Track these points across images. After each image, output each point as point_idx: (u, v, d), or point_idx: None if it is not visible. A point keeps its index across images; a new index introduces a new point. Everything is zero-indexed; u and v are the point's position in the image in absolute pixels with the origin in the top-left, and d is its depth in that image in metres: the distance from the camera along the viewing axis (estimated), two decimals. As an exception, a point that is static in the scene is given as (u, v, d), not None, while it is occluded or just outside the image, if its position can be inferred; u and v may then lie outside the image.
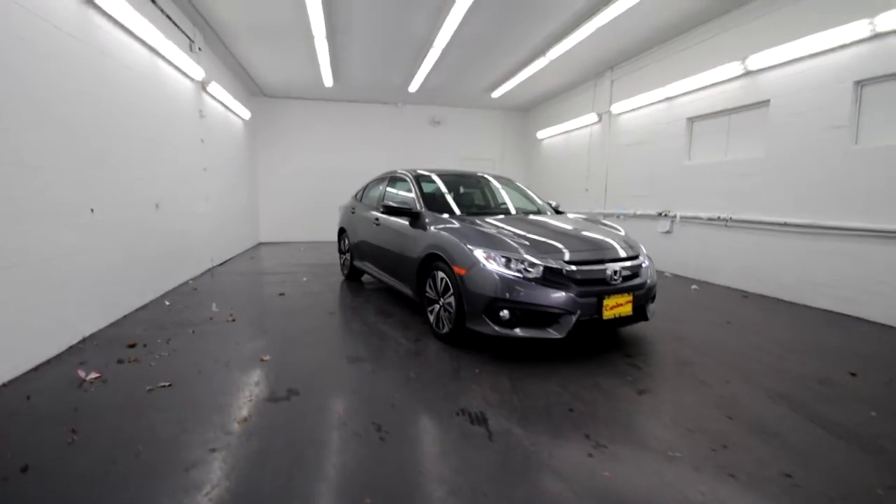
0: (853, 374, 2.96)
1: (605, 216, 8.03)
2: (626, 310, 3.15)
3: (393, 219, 4.41)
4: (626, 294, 3.13)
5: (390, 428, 2.19)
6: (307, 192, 10.70)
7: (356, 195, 6.03)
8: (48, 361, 2.97)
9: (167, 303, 4.59)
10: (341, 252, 6.19)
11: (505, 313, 2.95)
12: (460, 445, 2.07)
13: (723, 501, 1.72)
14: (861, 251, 4.30)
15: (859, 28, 4.13)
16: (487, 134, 11.74)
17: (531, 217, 4.13)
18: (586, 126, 9.01)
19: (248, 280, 5.95)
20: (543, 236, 3.33)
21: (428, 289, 3.63)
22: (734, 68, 5.47)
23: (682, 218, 6.53)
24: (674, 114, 6.65)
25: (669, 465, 1.95)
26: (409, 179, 4.56)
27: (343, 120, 10.77)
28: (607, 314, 3.04)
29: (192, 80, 5.90)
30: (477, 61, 7.62)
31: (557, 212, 4.63)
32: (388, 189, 5.01)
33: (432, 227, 3.74)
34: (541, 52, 7.04)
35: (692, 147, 6.47)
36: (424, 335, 3.67)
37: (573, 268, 3.02)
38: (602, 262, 3.14)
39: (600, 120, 8.50)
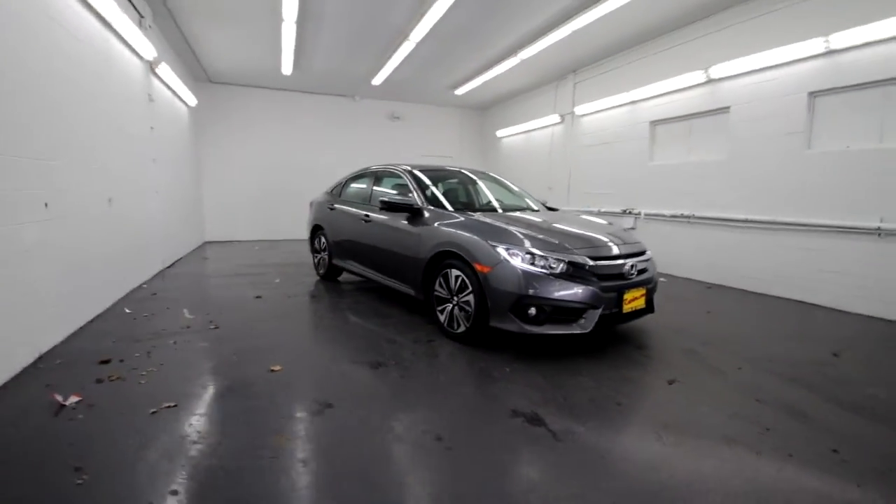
0: (836, 355, 3.27)
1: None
2: (641, 303, 3.25)
3: (385, 216, 4.22)
4: (641, 287, 3.23)
5: (451, 437, 2.06)
6: (258, 188, 9.99)
7: (332, 191, 5.71)
8: (4, 386, 2.47)
9: (127, 310, 4.03)
10: (315, 251, 5.82)
11: (533, 310, 2.92)
12: (532, 449, 1.99)
13: (792, 480, 1.80)
14: (814, 244, 4.79)
15: (814, 45, 4.59)
16: (446, 131, 11.70)
17: (532, 213, 4.13)
18: (548, 126, 9.27)
19: (211, 283, 5.41)
20: (559, 232, 3.33)
21: (438, 287, 3.50)
22: (698, 76, 5.88)
23: (646, 215, 6.92)
24: (637, 117, 7.01)
25: (732, 450, 2.01)
26: (403, 175, 4.38)
27: (297, 111, 10.18)
28: (626, 308, 3.12)
29: (142, 59, 5.24)
30: (449, 56, 7.53)
31: (549, 208, 4.68)
32: (377, 185, 4.79)
33: (437, 224, 3.62)
34: (513, 51, 7.10)
35: (655, 149, 6.86)
36: (434, 336, 3.53)
37: (596, 263, 3.05)
38: (619, 257, 3.21)
39: (563, 121, 8.78)
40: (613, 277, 3.10)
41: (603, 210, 7.69)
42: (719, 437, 2.11)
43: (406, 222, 3.95)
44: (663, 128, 6.69)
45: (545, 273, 2.93)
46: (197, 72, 8.47)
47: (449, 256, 3.40)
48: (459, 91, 9.56)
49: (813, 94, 4.77)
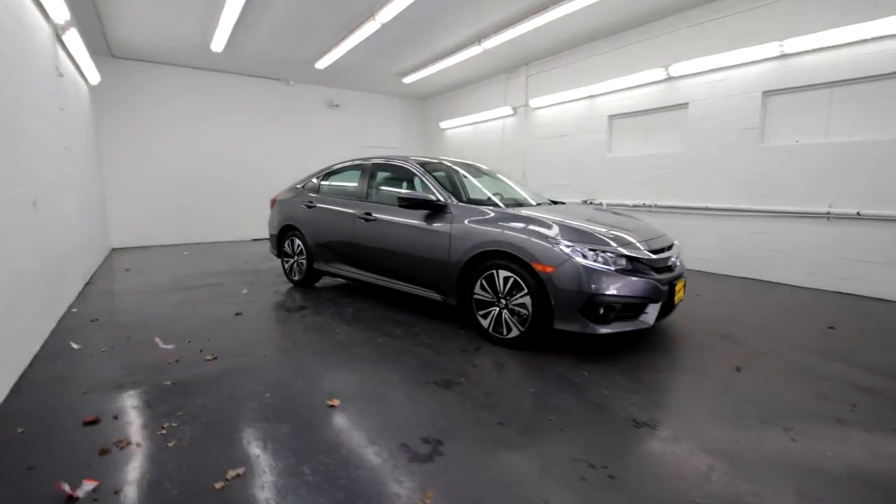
0: (832, 328, 3.66)
1: (530, 205, 8.41)
2: (682, 294, 3.31)
3: (394, 216, 3.81)
4: (681, 279, 3.29)
5: (602, 461, 1.84)
6: (177, 183, 8.59)
7: (305, 186, 5.04)
8: (-43, 479, 1.69)
9: (74, 345, 3.12)
10: (286, 255, 5.11)
11: (602, 309, 2.79)
12: (689, 463, 1.86)
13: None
14: (769, 228, 5.37)
15: (770, 48, 5.09)
16: (387, 121, 11.16)
17: (558, 206, 4.01)
18: (499, 118, 9.27)
19: (160, 300, 4.45)
20: (606, 226, 3.24)
21: (479, 291, 3.22)
22: (658, 74, 6.23)
23: (607, 205, 7.23)
24: (596, 111, 7.28)
25: (850, 431, 2.09)
26: (412, 168, 3.98)
27: (224, 95, 8.92)
28: (676, 299, 3.15)
29: (49, 22, 4.08)
30: (408, 41, 7.09)
31: (553, 202, 4.61)
32: (376, 180, 4.31)
33: (468, 222, 3.33)
34: (477, 39, 6.91)
35: (613, 141, 7.19)
36: (478, 342, 3.25)
37: (653, 256, 3.02)
38: (664, 249, 3.22)
39: (515, 113, 8.83)
40: (665, 270, 3.11)
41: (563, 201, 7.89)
42: (832, 421, 2.18)
43: (424, 221, 3.58)
44: (622, 121, 7.02)
45: (611, 269, 2.82)
46: (97, 44, 6.92)
47: (494, 256, 3.14)
48: (408, 79, 9.12)
49: (767, 94, 5.30)
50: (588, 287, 2.77)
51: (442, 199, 3.56)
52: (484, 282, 3.20)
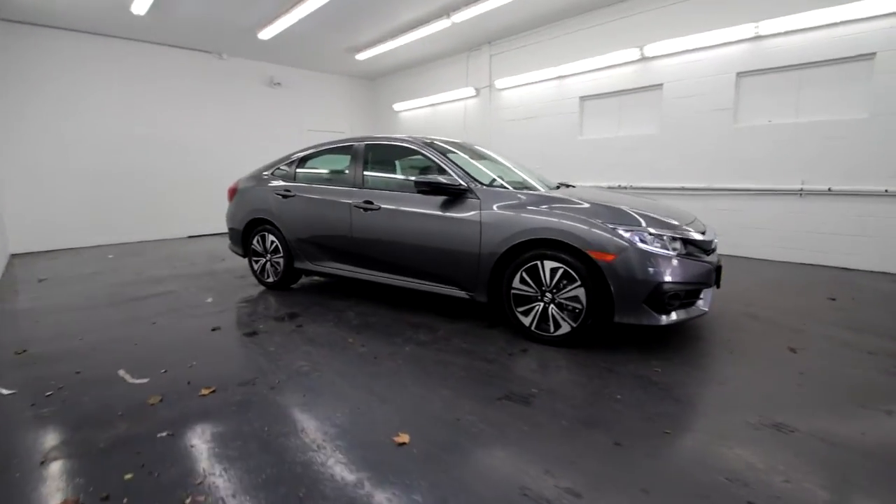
0: (833, 299, 3.81)
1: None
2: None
3: (404, 204, 3.33)
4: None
5: (781, 472, 1.60)
6: (92, 173, 7.20)
7: (274, 172, 4.33)
8: None
9: (4, 391, 2.31)
10: (256, 254, 4.38)
11: (668, 297, 2.58)
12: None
13: None
14: (743, 206, 5.59)
15: (745, 30, 5.20)
16: (334, 102, 10.30)
17: (577, 189, 3.74)
18: (461, 100, 8.88)
19: (101, 319, 3.55)
20: (650, 207, 3.02)
21: (519, 285, 2.87)
22: (632, 54, 6.20)
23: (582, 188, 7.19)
24: (566, 92, 7.15)
25: (945, 411, 2.06)
26: (421, 147, 3.50)
27: (145, 69, 7.58)
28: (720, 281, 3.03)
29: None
30: (367, 11, 6.41)
31: (565, 185, 4.34)
32: (374, 163, 3.75)
33: (499, 207, 2.95)
34: (445, 13, 6.43)
35: (585, 123, 7.12)
36: (522, 343, 2.91)
37: (705, 238, 2.86)
38: (705, 231, 3.08)
39: (478, 94, 8.49)
40: (711, 251, 2.97)
41: (534, 185, 7.75)
42: (918, 399, 2.15)
43: (440, 209, 3.15)
44: (594, 103, 6.96)
45: (672, 254, 2.61)
46: (-31, -4, 5.45)
47: (538, 246, 2.79)
48: (363, 56, 8.39)
49: (741, 74, 5.45)
50: (654, 275, 2.54)
51: (464, 183, 3.13)
52: (524, 274, 2.85)
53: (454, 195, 3.13)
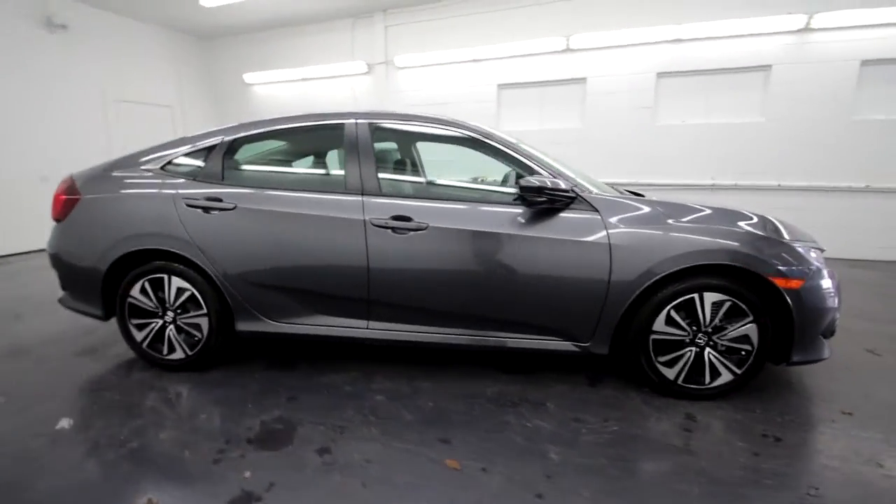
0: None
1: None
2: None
3: (460, 222, 2.19)
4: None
5: None
6: None
7: (164, 166, 2.48)
8: None
9: None
10: (138, 313, 2.44)
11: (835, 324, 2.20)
12: None
13: None
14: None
15: (667, 31, 5.42)
16: (157, 66, 7.43)
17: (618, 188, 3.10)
18: (346, 76, 7.39)
19: None
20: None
21: (663, 328, 2.11)
22: (557, 43, 5.93)
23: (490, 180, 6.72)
24: (482, 78, 6.53)
25: None
26: (480, 135, 2.39)
27: None
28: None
29: None
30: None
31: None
32: (392, 154, 2.45)
33: (619, 222, 2.13)
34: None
35: (502, 114, 6.64)
36: (673, 407, 2.15)
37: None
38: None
39: (371, 71, 7.18)
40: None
41: (448, 180, 6.96)
42: None
43: (526, 227, 2.14)
44: (513, 92, 6.51)
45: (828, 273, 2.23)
46: None
47: (699, 274, 2.07)
48: (211, 1, 6.08)
49: (660, 75, 5.71)
50: (833, 301, 2.11)
51: (570, 189, 2.14)
52: (673, 312, 2.10)
53: (558, 205, 2.14)
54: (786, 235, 2.15)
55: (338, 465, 1.74)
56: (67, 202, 2.48)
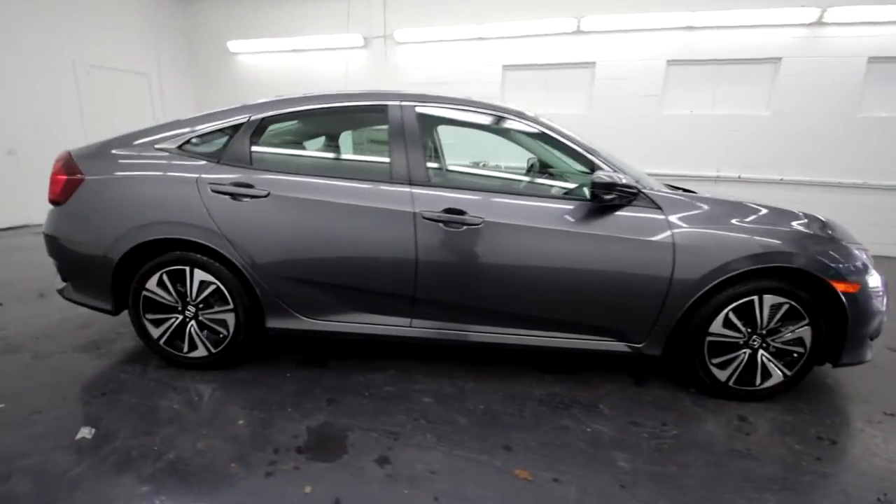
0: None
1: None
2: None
3: (513, 216, 2.08)
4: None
5: None
6: None
7: (182, 145, 2.24)
8: None
9: None
10: (154, 308, 2.22)
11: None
12: None
13: None
14: (666, 190, 5.98)
15: (680, 18, 5.33)
16: (129, 28, 6.82)
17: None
18: (341, 49, 7.01)
19: None
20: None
21: (720, 329, 2.08)
22: (568, 24, 5.76)
23: (506, 168, 6.59)
24: (487, 58, 6.32)
25: None
26: (529, 120, 2.25)
27: None
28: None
29: None
30: None
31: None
32: (439, 141, 2.31)
33: (681, 220, 2.06)
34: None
35: (507, 97, 6.46)
36: (729, 408, 2.14)
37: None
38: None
39: (367, 45, 6.83)
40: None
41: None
42: None
43: (584, 224, 2.05)
44: (518, 74, 6.34)
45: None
46: None
47: (757, 276, 2.03)
48: (198, -40, 5.58)
49: (671, 63, 5.64)
50: (884, 303, 2.12)
51: (625, 179, 2.04)
52: (731, 314, 2.06)
53: (623, 202, 2.04)
54: (839, 236, 2.13)
55: (402, 477, 1.63)
56: (69, 183, 2.20)
